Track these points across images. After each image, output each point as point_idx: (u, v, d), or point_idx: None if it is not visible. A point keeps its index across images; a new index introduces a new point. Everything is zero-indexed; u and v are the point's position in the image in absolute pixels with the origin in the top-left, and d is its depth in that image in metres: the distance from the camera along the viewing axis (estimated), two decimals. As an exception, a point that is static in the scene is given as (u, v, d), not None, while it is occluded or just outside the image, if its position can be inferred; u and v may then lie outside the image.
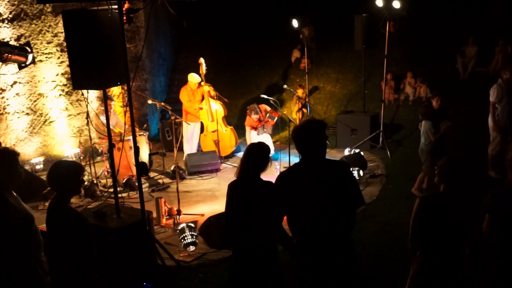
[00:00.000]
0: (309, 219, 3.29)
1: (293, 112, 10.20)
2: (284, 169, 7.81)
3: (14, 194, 3.49)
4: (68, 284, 3.33)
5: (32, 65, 7.44)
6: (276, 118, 9.20)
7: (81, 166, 3.56)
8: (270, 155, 3.61)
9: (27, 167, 8.41)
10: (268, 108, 9.36)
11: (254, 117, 9.11)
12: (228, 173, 8.60)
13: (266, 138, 9.04)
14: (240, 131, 10.13)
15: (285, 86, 9.42)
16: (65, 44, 8.32)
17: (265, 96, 8.83)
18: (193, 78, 8.83)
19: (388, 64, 9.33)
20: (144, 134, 8.22)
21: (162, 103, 8.31)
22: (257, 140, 8.87)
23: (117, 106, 9.51)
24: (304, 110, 10.71)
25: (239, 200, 3.48)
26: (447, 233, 3.25)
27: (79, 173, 3.40)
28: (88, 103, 6.10)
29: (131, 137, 5.66)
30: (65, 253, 3.28)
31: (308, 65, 11.07)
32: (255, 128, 9.15)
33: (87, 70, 4.47)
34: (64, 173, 3.34)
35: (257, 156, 3.53)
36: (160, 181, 8.08)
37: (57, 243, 3.31)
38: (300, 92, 11.00)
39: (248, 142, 9.12)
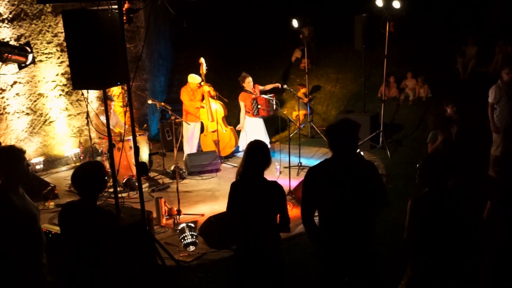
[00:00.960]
0: (334, 214, 3.35)
1: (300, 114, 10.09)
2: (285, 169, 7.92)
3: (21, 191, 3.47)
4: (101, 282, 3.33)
5: (32, 65, 7.43)
6: (270, 99, 8.78)
7: (102, 164, 3.56)
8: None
9: (27, 167, 8.40)
10: (261, 88, 9.09)
11: (248, 82, 8.78)
12: (228, 173, 8.60)
13: (259, 124, 8.90)
14: (238, 131, 10.13)
15: (285, 86, 9.42)
16: (65, 44, 8.31)
17: (265, 96, 8.84)
18: (194, 79, 8.83)
19: (388, 64, 9.33)
20: (144, 134, 8.22)
21: (162, 103, 8.31)
22: (250, 126, 8.96)
23: (117, 106, 9.51)
24: (304, 111, 10.70)
25: (242, 200, 3.47)
26: (443, 233, 3.25)
27: (102, 172, 3.41)
28: (88, 103, 6.10)
29: (131, 137, 5.66)
30: (101, 253, 3.29)
31: (308, 65, 11.07)
32: (248, 112, 8.88)
33: (87, 70, 4.47)
34: (88, 175, 3.35)
35: (258, 155, 3.52)
36: (160, 181, 8.08)
37: (90, 244, 3.30)
38: (302, 91, 11.02)
39: (241, 126, 9.01)
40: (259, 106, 8.76)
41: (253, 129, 8.90)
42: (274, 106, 8.80)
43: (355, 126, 3.44)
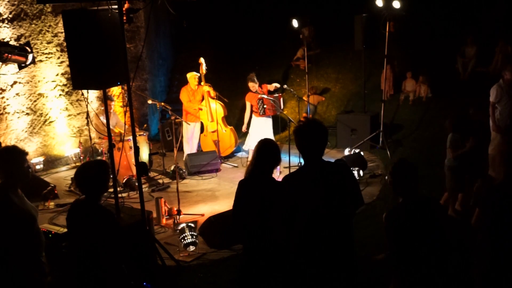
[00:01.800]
0: (310, 222, 3.23)
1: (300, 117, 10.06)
2: (285, 169, 7.91)
3: (20, 192, 3.48)
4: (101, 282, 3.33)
5: (32, 65, 7.44)
6: (271, 99, 8.60)
7: (106, 163, 3.56)
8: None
9: (27, 167, 8.40)
10: (269, 87, 8.91)
11: (252, 86, 8.65)
12: (228, 173, 8.60)
13: (266, 124, 8.74)
14: (240, 131, 10.12)
15: (285, 86, 9.41)
16: (65, 44, 8.31)
17: (265, 96, 8.83)
18: (191, 74, 8.85)
19: (388, 64, 9.33)
20: (144, 134, 8.22)
21: (162, 103, 8.31)
22: (257, 125, 8.91)
23: (117, 106, 9.52)
24: (304, 114, 10.71)
25: (250, 199, 3.46)
26: (421, 244, 3.22)
27: (106, 171, 3.42)
28: (88, 103, 6.10)
29: (131, 137, 5.66)
30: (104, 253, 3.29)
31: (306, 63, 11.07)
32: (255, 112, 8.74)
33: (87, 70, 4.47)
34: (92, 174, 3.35)
35: (269, 154, 3.51)
36: (160, 181, 8.08)
37: (91, 244, 3.30)
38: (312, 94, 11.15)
39: (245, 126, 8.93)
40: (265, 106, 8.67)
41: (259, 128, 8.75)
42: (281, 106, 8.77)
43: (319, 126, 3.25)
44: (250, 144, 8.68)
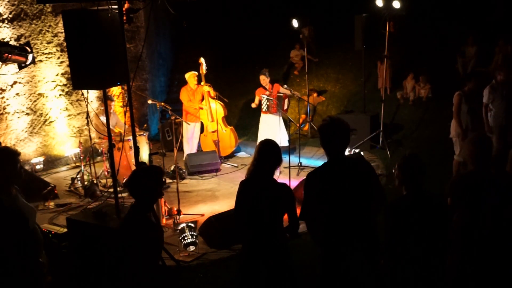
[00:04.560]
0: (334, 218, 3.32)
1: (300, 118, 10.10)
2: (285, 169, 7.91)
3: (14, 192, 3.45)
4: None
5: (32, 65, 7.43)
6: (268, 99, 8.82)
7: (160, 168, 3.52)
8: (285, 145, 3.64)
9: (27, 167, 8.41)
10: (282, 90, 9.04)
11: (262, 80, 8.86)
12: (228, 173, 8.60)
13: (272, 122, 8.86)
14: (240, 131, 10.13)
15: (285, 86, 9.41)
16: (65, 44, 8.31)
17: (265, 96, 8.84)
18: (190, 73, 8.87)
19: (385, 62, 9.34)
20: (144, 134, 8.22)
21: (162, 103, 8.29)
22: (264, 122, 8.99)
23: (117, 106, 9.52)
24: (303, 115, 10.71)
25: (251, 199, 3.47)
26: (419, 238, 3.23)
27: (159, 176, 3.35)
28: (88, 103, 6.10)
29: (131, 137, 5.66)
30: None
31: (300, 63, 11.11)
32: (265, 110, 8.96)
33: (87, 70, 4.48)
34: (144, 180, 3.28)
35: (270, 154, 3.51)
36: (160, 181, 8.06)
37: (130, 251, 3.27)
38: (314, 95, 11.17)
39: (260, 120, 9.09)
40: (267, 103, 8.84)
41: (266, 124, 8.97)
42: (285, 106, 8.94)
43: (342, 124, 3.37)
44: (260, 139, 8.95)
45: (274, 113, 8.85)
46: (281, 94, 8.84)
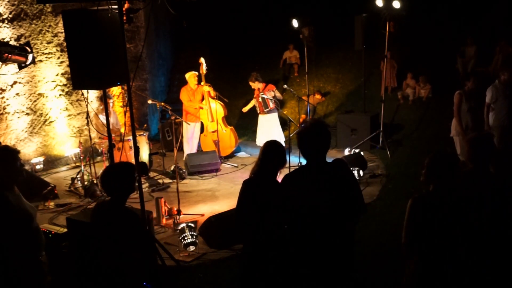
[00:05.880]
0: (310, 224, 3.23)
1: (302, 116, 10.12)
2: (285, 169, 7.90)
3: (16, 191, 3.48)
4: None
5: (32, 65, 7.44)
6: (268, 97, 8.88)
7: (132, 165, 3.59)
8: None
9: (27, 167, 8.40)
10: (271, 93, 9.03)
11: (254, 85, 8.99)
12: (228, 173, 8.60)
13: (269, 121, 9.00)
14: (240, 131, 10.13)
15: (285, 86, 9.41)
16: (65, 44, 8.31)
17: (265, 96, 8.84)
18: (190, 73, 8.89)
19: (388, 61, 9.34)
20: (144, 134, 8.22)
21: (162, 103, 8.30)
22: (262, 123, 9.04)
23: (117, 106, 9.52)
24: (303, 116, 10.71)
25: (254, 199, 3.46)
26: (444, 235, 3.15)
27: (131, 172, 3.44)
28: (88, 103, 6.10)
29: (131, 137, 5.66)
30: (129, 252, 3.31)
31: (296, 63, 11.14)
32: (260, 111, 9.09)
33: (87, 70, 4.47)
34: (118, 175, 3.38)
35: (275, 155, 3.51)
36: (160, 181, 8.08)
37: (117, 244, 3.31)
38: (317, 97, 11.18)
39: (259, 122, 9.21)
40: (266, 102, 9.00)
41: (266, 123, 9.08)
42: (270, 105, 8.98)
43: (322, 127, 3.27)
44: (259, 141, 9.22)
45: (272, 109, 8.97)
46: (265, 97, 8.88)
